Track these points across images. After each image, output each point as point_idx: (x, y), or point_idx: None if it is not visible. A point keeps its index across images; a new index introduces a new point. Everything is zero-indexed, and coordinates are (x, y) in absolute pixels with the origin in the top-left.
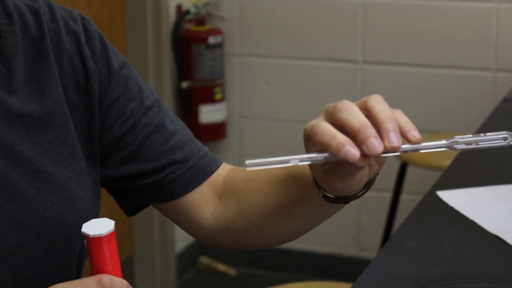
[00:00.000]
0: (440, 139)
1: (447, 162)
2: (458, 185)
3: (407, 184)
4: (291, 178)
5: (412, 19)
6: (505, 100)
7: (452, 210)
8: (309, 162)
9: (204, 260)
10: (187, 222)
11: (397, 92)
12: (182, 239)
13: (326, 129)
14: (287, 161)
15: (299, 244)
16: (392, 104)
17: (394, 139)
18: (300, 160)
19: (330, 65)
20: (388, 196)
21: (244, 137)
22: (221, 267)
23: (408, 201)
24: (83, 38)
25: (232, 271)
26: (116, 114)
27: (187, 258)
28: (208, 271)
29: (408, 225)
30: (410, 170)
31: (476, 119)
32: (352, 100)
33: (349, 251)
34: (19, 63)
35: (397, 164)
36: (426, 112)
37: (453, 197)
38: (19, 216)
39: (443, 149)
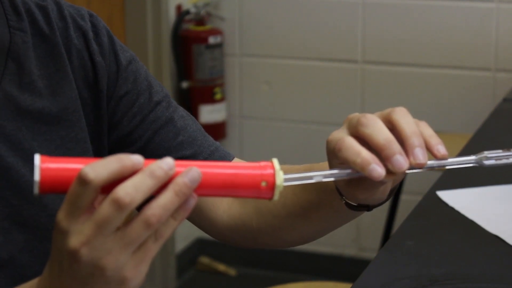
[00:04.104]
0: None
1: None
2: (458, 185)
3: (407, 184)
4: (311, 183)
5: (412, 19)
6: (505, 100)
7: (452, 210)
8: (332, 179)
9: (204, 260)
10: (200, 219)
11: (397, 92)
12: (182, 239)
13: (351, 145)
14: (311, 178)
15: None
16: (392, 105)
17: (420, 155)
18: (324, 176)
19: (330, 65)
20: None
21: (244, 137)
22: (221, 267)
23: (408, 201)
24: (91, 34)
25: (232, 271)
26: (124, 109)
27: (187, 258)
28: (208, 271)
29: (408, 225)
30: None
31: (476, 119)
32: (352, 100)
33: (349, 251)
34: (30, 59)
35: None
36: (426, 112)
37: (453, 197)
38: (27, 212)
39: (471, 165)
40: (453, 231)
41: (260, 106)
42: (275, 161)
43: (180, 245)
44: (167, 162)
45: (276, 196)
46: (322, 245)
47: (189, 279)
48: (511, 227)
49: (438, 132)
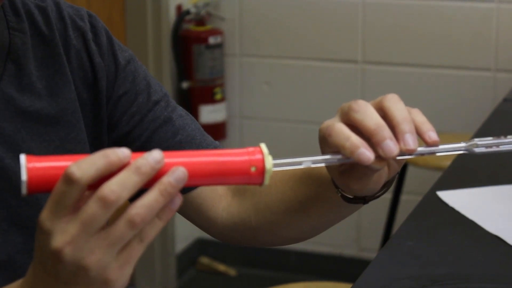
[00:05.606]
0: (458, 141)
1: (447, 162)
2: (458, 185)
3: (407, 184)
4: (307, 177)
5: (412, 19)
6: (505, 100)
7: (452, 210)
8: (322, 164)
9: (204, 260)
10: (199, 218)
11: (397, 92)
12: (182, 239)
13: (340, 130)
14: (299, 163)
15: (299, 244)
16: None
17: (410, 141)
18: (313, 162)
19: (330, 65)
20: (388, 196)
21: (244, 137)
22: (221, 267)
23: (408, 201)
24: (89, 35)
25: (232, 271)
26: (123, 109)
27: (187, 258)
28: (208, 271)
29: (408, 225)
30: (410, 170)
31: (476, 119)
32: (352, 100)
33: (349, 251)
34: (30, 60)
35: None
36: (426, 112)
37: (453, 197)
38: (25, 214)
39: (461, 152)
40: (453, 231)
41: (260, 106)
42: (263, 146)
43: (180, 245)
44: (154, 157)
45: (267, 181)
46: (322, 245)
47: (189, 279)
48: (511, 227)
49: (438, 132)
